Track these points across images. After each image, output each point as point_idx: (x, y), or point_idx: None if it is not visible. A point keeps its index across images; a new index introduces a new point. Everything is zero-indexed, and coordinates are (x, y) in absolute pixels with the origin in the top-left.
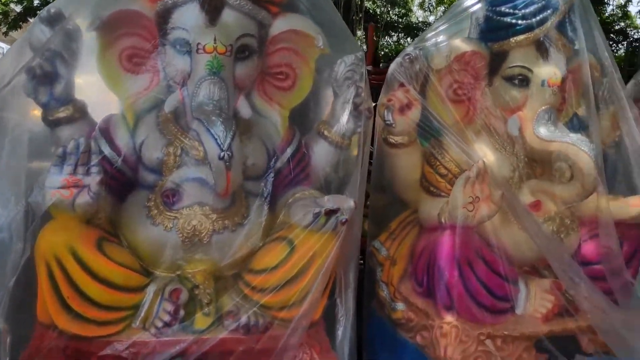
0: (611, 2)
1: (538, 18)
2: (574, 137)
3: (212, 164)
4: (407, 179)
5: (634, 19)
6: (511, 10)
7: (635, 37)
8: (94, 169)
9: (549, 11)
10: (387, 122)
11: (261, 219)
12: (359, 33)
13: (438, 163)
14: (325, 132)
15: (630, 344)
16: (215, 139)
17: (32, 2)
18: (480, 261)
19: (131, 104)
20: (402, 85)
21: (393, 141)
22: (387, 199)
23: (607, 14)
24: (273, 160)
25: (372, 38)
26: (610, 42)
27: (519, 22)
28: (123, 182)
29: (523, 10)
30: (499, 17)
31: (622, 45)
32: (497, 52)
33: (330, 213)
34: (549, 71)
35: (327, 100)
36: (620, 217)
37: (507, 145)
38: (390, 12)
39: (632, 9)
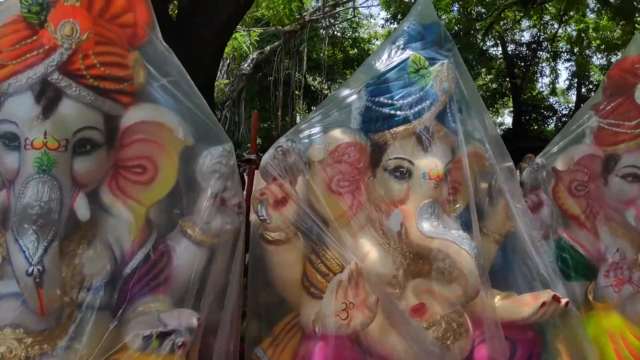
0: (540, 80)
1: (415, 109)
2: (456, 234)
3: (19, 281)
4: (287, 277)
5: (565, 95)
6: (389, 101)
7: (564, 112)
8: None
9: (427, 102)
10: (261, 217)
11: (88, 338)
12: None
13: (319, 261)
14: (189, 231)
15: None
16: (23, 252)
17: None
18: None
19: None
20: (282, 175)
21: (269, 237)
22: (270, 298)
23: (537, 91)
24: (120, 266)
25: (256, 126)
26: (540, 117)
27: (397, 113)
28: None
29: (400, 101)
30: (377, 108)
31: (552, 120)
32: (378, 143)
33: (163, 335)
34: (429, 163)
35: (192, 195)
36: (512, 318)
37: (392, 241)
38: (331, 88)
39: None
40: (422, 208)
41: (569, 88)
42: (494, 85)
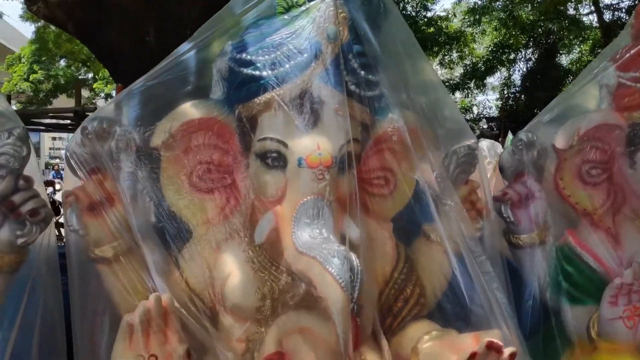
0: None
1: (282, 68)
2: (327, 249)
3: None
4: (125, 309)
5: None
6: (252, 58)
7: None
8: None
9: (300, 57)
10: (71, 227)
11: None
12: None
13: None
14: None
15: None
16: None
17: None
18: None
19: None
20: (92, 172)
21: (92, 255)
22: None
23: None
24: None
25: None
26: None
27: (262, 74)
28: None
29: (265, 57)
30: (239, 69)
31: None
32: (248, 118)
33: None
34: (308, 145)
35: None
36: None
37: (266, 258)
38: None
39: None
40: (301, 210)
41: None
42: (590, 58)
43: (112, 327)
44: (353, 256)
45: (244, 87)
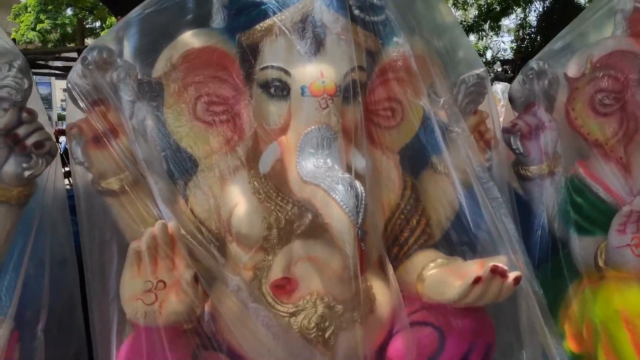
0: None
1: None
2: (330, 177)
3: None
4: (134, 238)
5: None
6: None
7: None
8: None
9: None
10: (76, 159)
11: None
12: None
13: None
14: None
15: None
16: None
17: None
18: None
19: None
20: (95, 103)
21: (98, 187)
22: None
23: None
24: None
25: None
26: None
27: None
28: None
29: None
30: None
31: None
32: (249, 46)
33: None
34: (311, 73)
35: None
36: (437, 299)
37: (272, 188)
38: None
39: None
40: (305, 139)
41: None
42: None
43: (121, 256)
44: (357, 183)
45: (244, 13)
